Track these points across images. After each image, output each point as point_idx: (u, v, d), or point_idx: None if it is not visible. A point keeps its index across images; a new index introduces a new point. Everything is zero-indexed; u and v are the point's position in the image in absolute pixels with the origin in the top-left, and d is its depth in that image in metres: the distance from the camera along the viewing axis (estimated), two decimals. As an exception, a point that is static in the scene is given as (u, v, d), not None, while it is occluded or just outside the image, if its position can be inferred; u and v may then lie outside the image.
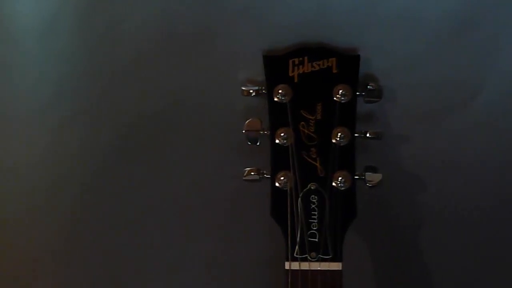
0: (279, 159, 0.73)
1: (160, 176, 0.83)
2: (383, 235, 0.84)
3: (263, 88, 0.74)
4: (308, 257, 0.71)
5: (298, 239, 0.71)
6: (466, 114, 0.79)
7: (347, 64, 0.73)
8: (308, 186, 0.72)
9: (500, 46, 0.77)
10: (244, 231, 0.84)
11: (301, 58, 0.73)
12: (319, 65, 0.74)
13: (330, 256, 0.71)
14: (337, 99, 0.73)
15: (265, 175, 0.74)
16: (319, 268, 0.71)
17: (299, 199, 0.72)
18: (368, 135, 0.74)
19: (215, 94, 0.79)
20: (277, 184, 0.72)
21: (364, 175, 0.74)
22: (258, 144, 0.74)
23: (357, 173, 0.73)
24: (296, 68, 0.74)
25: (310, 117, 0.73)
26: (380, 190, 0.76)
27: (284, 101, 0.73)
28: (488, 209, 0.83)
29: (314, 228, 0.72)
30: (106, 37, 0.78)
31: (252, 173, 0.74)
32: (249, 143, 0.74)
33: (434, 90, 0.79)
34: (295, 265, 0.71)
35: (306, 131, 0.73)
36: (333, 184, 0.72)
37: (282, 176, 0.72)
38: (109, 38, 0.78)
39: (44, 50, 0.79)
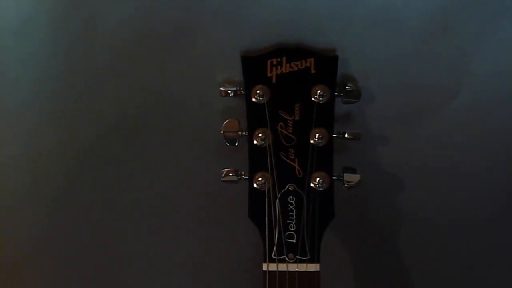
0: (257, 160, 0.72)
1: (138, 176, 0.82)
2: (362, 236, 0.84)
3: (241, 88, 0.74)
4: (286, 259, 0.71)
5: (275, 240, 0.71)
6: (444, 115, 0.79)
7: (325, 64, 0.73)
8: (286, 187, 0.72)
9: (478, 48, 0.77)
10: (222, 232, 0.83)
11: (279, 59, 0.73)
12: (297, 65, 0.73)
13: (308, 257, 0.71)
14: (315, 100, 0.73)
15: (243, 176, 0.73)
16: (296, 270, 0.71)
17: (277, 200, 0.72)
18: (346, 135, 0.74)
19: (193, 94, 0.79)
20: (255, 185, 0.72)
21: (343, 176, 0.74)
22: (236, 145, 0.74)
23: (335, 174, 0.73)
24: (274, 68, 0.73)
25: (288, 118, 0.73)
26: (359, 191, 0.76)
27: (262, 102, 0.73)
28: (467, 209, 0.83)
29: (292, 229, 0.71)
30: (84, 36, 0.77)
31: (230, 174, 0.74)
32: (228, 144, 0.74)
33: (413, 91, 0.79)
34: (272, 267, 0.71)
35: (284, 131, 0.73)
36: (311, 185, 0.72)
37: (260, 177, 0.72)
38: (87, 37, 0.77)
39: (22, 49, 0.78)
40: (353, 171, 0.74)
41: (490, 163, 0.81)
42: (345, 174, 0.74)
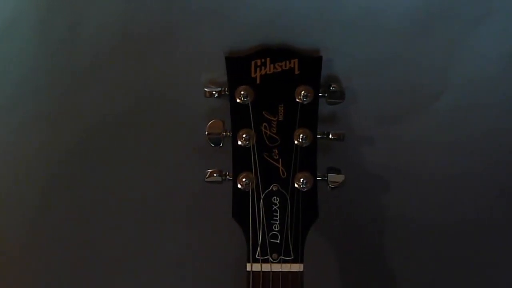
0: (241, 161, 0.73)
1: (122, 177, 0.82)
2: (346, 236, 0.84)
3: (226, 89, 0.74)
4: (270, 259, 0.71)
5: (259, 240, 0.71)
6: (428, 115, 0.80)
7: (309, 65, 0.73)
8: (270, 187, 0.72)
9: (461, 48, 0.77)
10: (207, 233, 0.83)
11: (263, 60, 0.73)
12: (281, 66, 0.73)
13: (292, 258, 0.71)
14: (299, 100, 0.73)
15: (227, 177, 0.73)
16: (280, 270, 0.71)
17: (261, 201, 0.72)
18: (330, 136, 0.74)
19: (178, 95, 0.79)
20: (239, 186, 0.72)
21: (327, 176, 0.74)
22: (221, 145, 0.74)
23: (320, 174, 0.73)
24: (258, 69, 0.73)
25: (272, 118, 0.73)
26: (344, 191, 0.76)
27: (246, 102, 0.73)
28: (450, 210, 0.83)
29: (276, 230, 0.72)
30: (67, 37, 0.77)
31: (215, 175, 0.74)
32: (212, 145, 0.74)
33: (397, 91, 0.79)
34: (256, 267, 0.71)
35: (268, 132, 0.73)
36: (295, 185, 0.72)
37: (243, 178, 0.72)
38: (70, 39, 0.77)
39: (4, 51, 0.78)
40: (337, 171, 0.74)
41: (473, 164, 0.82)
42: (329, 174, 0.74)
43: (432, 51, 0.77)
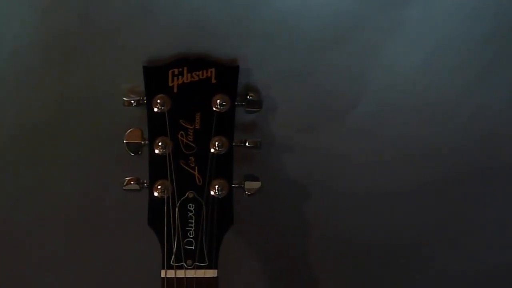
0: (157, 169, 0.73)
1: (41, 186, 0.82)
2: (263, 243, 0.85)
3: (144, 98, 0.75)
4: (184, 265, 0.72)
5: (174, 247, 0.72)
6: (346, 123, 0.81)
7: (226, 74, 0.74)
8: (186, 194, 0.73)
9: (378, 55, 0.79)
10: (124, 240, 0.84)
11: (180, 69, 0.74)
12: (198, 75, 0.74)
13: (206, 264, 0.72)
14: (215, 109, 0.74)
15: (145, 185, 0.74)
16: (194, 276, 0.72)
17: (176, 208, 0.73)
18: (247, 144, 0.75)
19: (97, 104, 0.79)
20: (155, 194, 0.73)
21: (244, 184, 0.75)
22: (140, 153, 0.75)
23: (237, 181, 0.74)
24: (176, 78, 0.74)
25: (189, 127, 0.74)
26: (264, 199, 0.77)
27: (163, 111, 0.74)
28: (371, 214, 0.85)
29: (191, 236, 0.72)
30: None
31: (132, 183, 0.75)
32: (131, 153, 0.75)
33: (314, 99, 0.80)
34: (170, 273, 0.71)
35: (185, 140, 0.74)
36: (211, 192, 0.73)
37: (159, 185, 0.73)
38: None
39: None
40: (254, 178, 0.76)
41: (391, 170, 0.83)
42: (246, 182, 0.75)
43: (348, 60, 0.79)
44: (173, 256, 0.72)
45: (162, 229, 0.72)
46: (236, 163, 0.74)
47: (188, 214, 0.73)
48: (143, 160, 0.74)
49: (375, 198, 0.84)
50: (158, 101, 0.74)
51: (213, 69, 0.74)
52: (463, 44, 0.78)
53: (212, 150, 0.73)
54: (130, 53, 0.77)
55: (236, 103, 0.75)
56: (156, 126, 0.74)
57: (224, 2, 0.75)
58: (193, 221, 0.73)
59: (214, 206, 0.73)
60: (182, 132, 0.74)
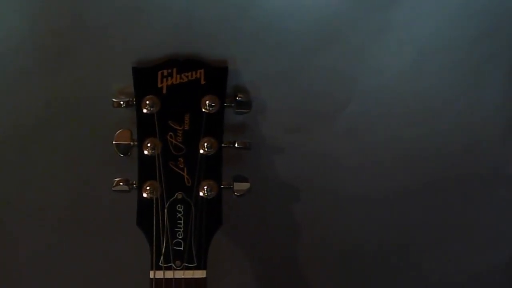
0: (146, 170, 0.73)
1: (31, 186, 0.82)
2: (252, 243, 0.85)
3: (134, 99, 0.75)
4: (173, 266, 0.72)
5: (163, 248, 0.72)
6: (335, 124, 0.82)
7: (215, 75, 0.75)
8: (175, 195, 0.73)
9: (367, 56, 0.79)
10: (114, 240, 0.84)
11: (170, 70, 0.74)
12: (187, 76, 0.75)
13: (195, 264, 0.72)
14: (204, 110, 0.74)
15: (134, 186, 0.74)
16: (183, 276, 0.72)
17: (165, 209, 0.73)
18: (236, 145, 0.75)
19: (87, 105, 0.79)
20: (144, 194, 0.73)
21: (233, 185, 0.75)
22: (129, 154, 0.75)
23: (226, 182, 0.74)
24: (165, 79, 0.74)
25: (178, 128, 0.74)
26: (253, 199, 0.77)
27: (152, 112, 0.74)
28: (360, 214, 0.85)
29: (180, 237, 0.72)
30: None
31: (121, 184, 0.75)
32: (120, 154, 0.75)
33: (304, 100, 0.81)
34: (159, 274, 0.71)
35: (174, 141, 0.74)
36: (200, 193, 0.73)
37: (148, 186, 0.73)
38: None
39: None
40: (243, 179, 0.76)
41: (380, 170, 0.84)
42: (234, 182, 0.75)
43: (337, 61, 0.79)
44: (161, 257, 0.72)
45: (151, 230, 0.72)
46: (225, 164, 0.74)
47: (177, 215, 0.73)
48: (132, 161, 0.74)
49: (364, 199, 0.85)
50: (147, 102, 0.74)
51: (202, 70, 0.75)
52: (451, 45, 0.79)
53: (201, 151, 0.74)
54: (120, 54, 0.77)
55: (225, 104, 0.75)
56: (145, 127, 0.74)
57: (214, 3, 0.76)
58: (182, 222, 0.73)
59: (203, 207, 0.73)
60: (171, 133, 0.74)
